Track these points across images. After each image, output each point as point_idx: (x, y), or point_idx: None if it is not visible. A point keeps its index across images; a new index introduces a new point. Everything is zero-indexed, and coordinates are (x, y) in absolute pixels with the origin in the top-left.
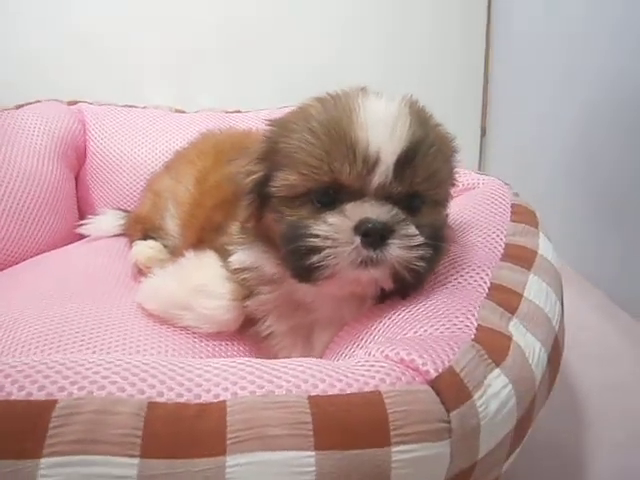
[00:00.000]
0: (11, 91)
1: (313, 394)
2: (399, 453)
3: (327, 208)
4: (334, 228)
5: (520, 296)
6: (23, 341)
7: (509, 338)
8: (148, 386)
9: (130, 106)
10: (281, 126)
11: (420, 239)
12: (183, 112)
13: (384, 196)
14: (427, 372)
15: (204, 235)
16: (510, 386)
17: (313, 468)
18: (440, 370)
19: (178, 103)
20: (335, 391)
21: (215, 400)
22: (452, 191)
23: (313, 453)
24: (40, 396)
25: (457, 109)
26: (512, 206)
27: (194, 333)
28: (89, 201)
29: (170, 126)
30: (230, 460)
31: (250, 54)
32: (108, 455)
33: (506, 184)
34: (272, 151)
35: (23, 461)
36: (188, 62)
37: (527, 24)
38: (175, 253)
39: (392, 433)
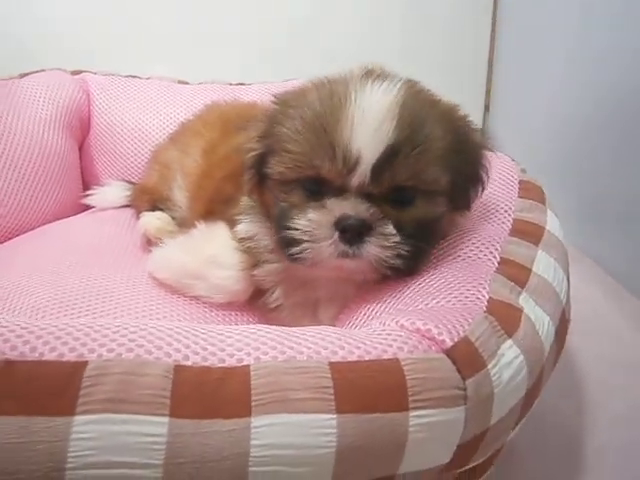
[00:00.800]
0: (15, 61)
1: (333, 360)
2: (416, 418)
3: (315, 197)
4: (313, 223)
5: (529, 271)
6: (32, 307)
7: (520, 310)
8: (174, 350)
9: (134, 76)
10: (282, 106)
11: (396, 239)
12: (187, 83)
13: (366, 192)
14: (443, 341)
15: (213, 207)
16: (522, 356)
17: (334, 430)
18: (455, 340)
19: (179, 75)
20: (354, 358)
21: (239, 364)
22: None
23: (334, 416)
24: (71, 357)
25: (461, 86)
26: (520, 182)
27: (204, 303)
28: (93, 172)
29: (174, 97)
30: (255, 421)
31: (251, 30)
32: (139, 414)
33: (513, 160)
34: (270, 133)
35: (57, 418)
36: (190, 36)
37: (534, 2)
38: (183, 225)
39: (410, 399)
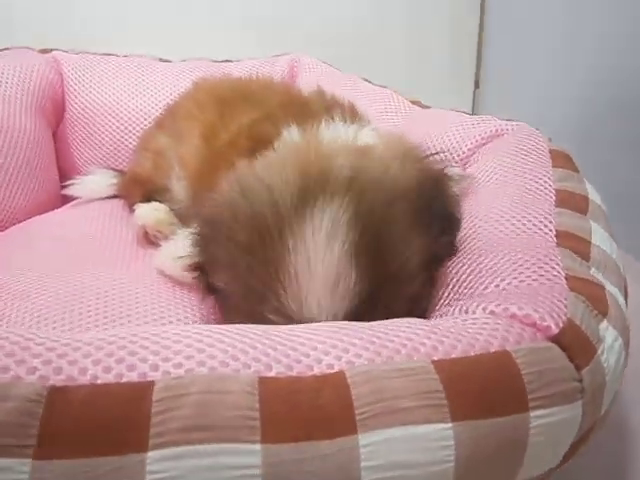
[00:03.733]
0: None
1: (436, 358)
2: (537, 418)
3: None
4: None
5: (589, 243)
6: (34, 316)
7: (602, 287)
8: (252, 359)
9: (110, 54)
10: (209, 229)
11: None
12: (169, 61)
13: None
14: (548, 327)
15: None
16: (620, 339)
17: (452, 442)
18: (561, 325)
19: (162, 53)
20: (458, 353)
21: (330, 371)
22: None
23: (450, 425)
24: (132, 377)
25: (451, 62)
26: (550, 151)
27: None
28: (70, 161)
29: (157, 76)
30: (363, 439)
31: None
32: (226, 442)
33: (537, 129)
34: (204, 253)
35: (127, 456)
36: (172, 11)
37: None
38: (184, 216)
39: (529, 397)
